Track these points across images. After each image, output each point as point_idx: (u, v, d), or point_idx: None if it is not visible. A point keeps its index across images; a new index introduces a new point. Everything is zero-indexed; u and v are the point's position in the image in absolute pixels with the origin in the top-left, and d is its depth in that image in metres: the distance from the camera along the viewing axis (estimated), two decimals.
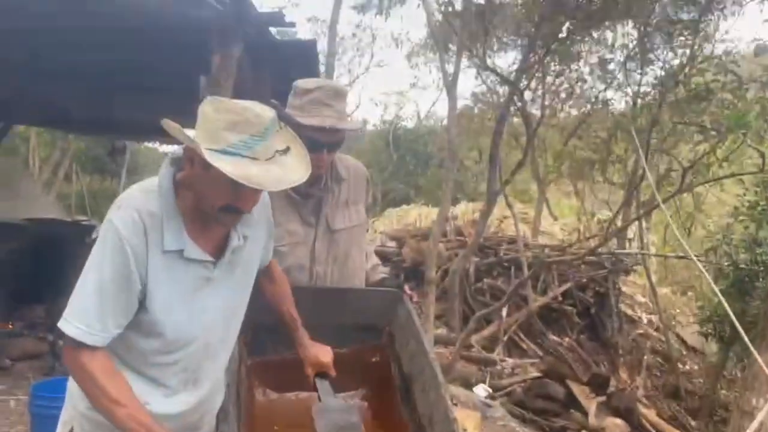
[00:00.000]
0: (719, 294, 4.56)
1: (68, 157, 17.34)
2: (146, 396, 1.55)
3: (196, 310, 1.59)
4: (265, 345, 2.40)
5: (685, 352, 10.13)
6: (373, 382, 2.42)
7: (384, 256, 8.18)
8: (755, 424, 3.50)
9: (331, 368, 2.08)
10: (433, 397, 1.96)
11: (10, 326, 5.69)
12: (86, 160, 18.10)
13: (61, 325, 1.45)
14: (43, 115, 8.09)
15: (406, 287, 2.47)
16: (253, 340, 2.33)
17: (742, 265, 6.35)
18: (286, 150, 1.49)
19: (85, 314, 1.44)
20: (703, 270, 5.55)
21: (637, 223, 8.83)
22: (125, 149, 10.85)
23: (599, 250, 7.45)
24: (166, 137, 6.67)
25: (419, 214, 11.28)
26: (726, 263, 6.73)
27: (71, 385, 1.66)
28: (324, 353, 2.06)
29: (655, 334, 9.93)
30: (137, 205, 1.49)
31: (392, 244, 9.23)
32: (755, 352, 2.21)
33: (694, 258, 6.29)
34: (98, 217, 9.38)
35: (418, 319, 2.28)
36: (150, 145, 17.74)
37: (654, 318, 10.28)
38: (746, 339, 2.79)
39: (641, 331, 10.07)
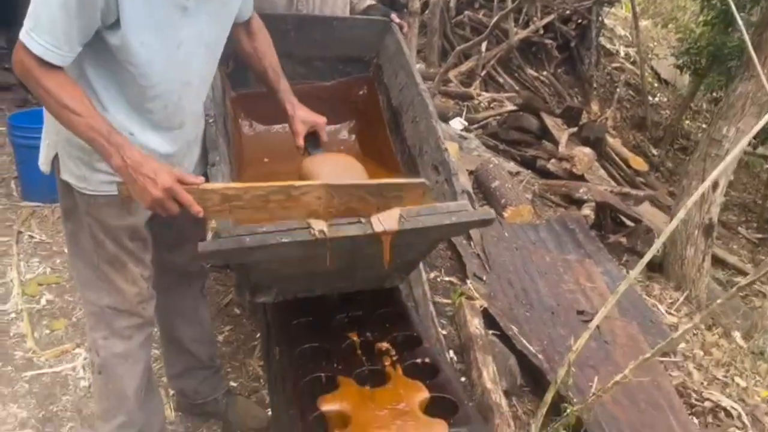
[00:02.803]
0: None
1: None
2: (131, 127, 1.50)
3: (171, 42, 1.47)
4: (248, 77, 2.32)
5: (657, 85, 10.29)
6: (360, 114, 2.41)
7: None
8: (723, 151, 3.69)
9: (323, 129, 1.87)
10: (424, 128, 1.96)
11: None
12: None
13: (25, 39, 1.33)
14: None
15: (394, 15, 2.32)
16: (234, 72, 2.24)
17: None
18: None
19: (52, 32, 1.32)
20: None
21: None
22: None
23: None
24: None
25: None
26: None
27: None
28: (315, 115, 1.86)
29: (630, 67, 9.95)
30: None
31: None
32: (759, 68, 2.16)
33: None
34: None
35: (408, 50, 2.19)
36: None
37: (632, 51, 10.20)
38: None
39: (617, 65, 10.07)
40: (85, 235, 1.63)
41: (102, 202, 1.57)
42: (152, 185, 1.33)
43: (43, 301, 2.72)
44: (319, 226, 1.50)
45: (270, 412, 2.20)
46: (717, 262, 5.00)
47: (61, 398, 2.24)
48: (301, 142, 1.85)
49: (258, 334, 2.57)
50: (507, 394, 2.46)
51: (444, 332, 2.75)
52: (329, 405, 1.56)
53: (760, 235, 6.67)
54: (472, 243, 3.71)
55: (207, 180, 1.52)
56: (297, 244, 1.50)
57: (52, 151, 1.59)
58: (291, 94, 1.86)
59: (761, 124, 2.31)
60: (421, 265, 2.99)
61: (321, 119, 1.86)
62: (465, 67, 7.86)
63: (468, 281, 3.23)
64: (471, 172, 4.83)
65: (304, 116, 1.84)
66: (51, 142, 1.59)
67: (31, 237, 3.17)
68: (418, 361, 1.74)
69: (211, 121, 1.75)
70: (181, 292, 2.01)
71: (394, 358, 1.74)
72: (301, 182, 1.41)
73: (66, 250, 1.86)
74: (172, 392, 2.26)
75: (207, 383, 2.15)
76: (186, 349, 2.07)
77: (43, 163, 1.63)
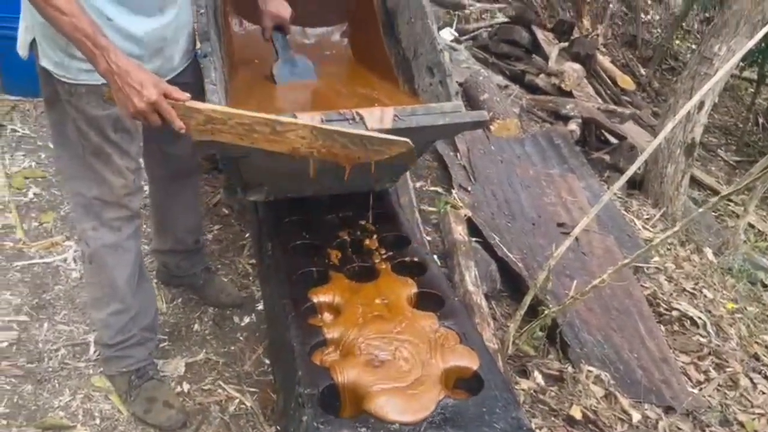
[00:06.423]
0: None
1: None
2: (109, 12, 1.46)
3: None
4: None
5: (650, 2, 10.07)
6: (353, 16, 2.36)
7: None
8: (713, 69, 3.69)
9: (289, 24, 2.02)
10: (420, 29, 1.94)
11: None
12: None
13: None
14: None
15: None
16: None
17: None
18: None
19: None
20: None
21: None
22: None
23: None
24: None
25: None
26: None
27: None
28: (284, 7, 1.97)
29: None
30: None
31: None
32: None
33: None
34: None
35: None
36: None
37: None
38: None
39: None
40: (69, 125, 1.61)
41: (82, 92, 1.53)
42: (137, 96, 1.31)
43: (30, 195, 2.70)
44: (310, 121, 1.49)
45: (262, 307, 2.28)
46: (694, 182, 5.09)
47: (53, 288, 2.29)
48: (267, 36, 2.00)
49: (247, 234, 2.62)
50: (487, 297, 2.56)
51: (428, 238, 2.81)
52: (321, 296, 1.63)
53: (738, 158, 6.77)
54: (458, 154, 3.73)
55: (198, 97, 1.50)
56: None
57: (29, 35, 1.53)
58: None
59: (753, 41, 2.31)
60: (407, 174, 3.02)
61: (285, 13, 1.97)
62: None
63: (453, 191, 3.28)
64: (460, 84, 4.78)
65: (272, 11, 1.95)
66: (28, 26, 1.53)
67: (14, 131, 3.12)
68: (407, 259, 1.81)
69: (202, 11, 1.71)
70: (182, 183, 2.06)
71: (384, 256, 1.80)
72: (287, 119, 1.40)
73: (50, 143, 1.84)
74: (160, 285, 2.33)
75: (189, 260, 2.25)
76: (176, 235, 2.15)
77: (21, 48, 1.57)
